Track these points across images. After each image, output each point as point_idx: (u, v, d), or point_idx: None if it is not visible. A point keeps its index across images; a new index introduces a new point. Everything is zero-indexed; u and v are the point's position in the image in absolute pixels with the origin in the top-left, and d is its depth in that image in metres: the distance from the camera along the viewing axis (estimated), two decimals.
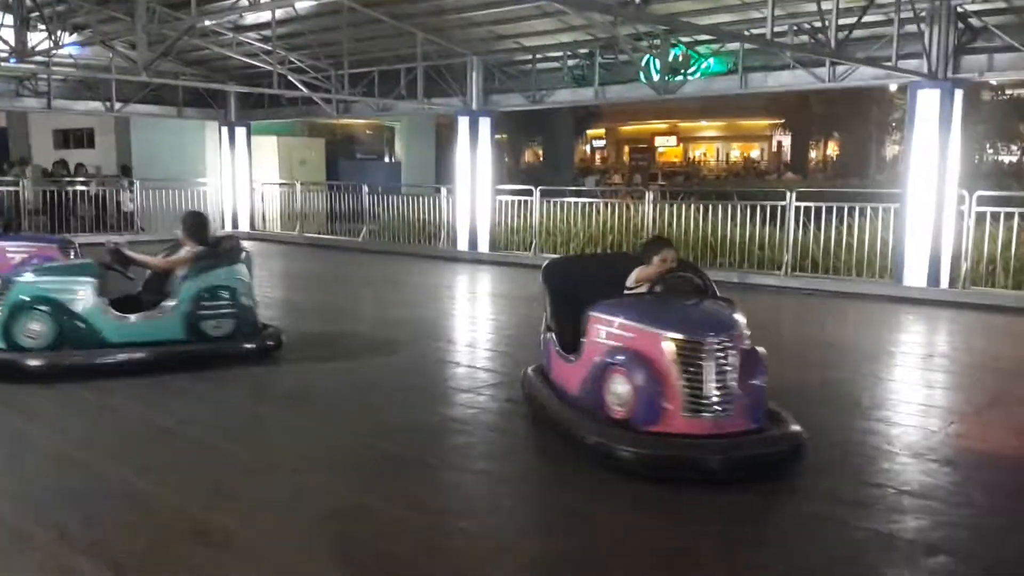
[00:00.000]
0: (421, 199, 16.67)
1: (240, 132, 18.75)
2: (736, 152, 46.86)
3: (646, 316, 4.64)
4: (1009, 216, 10.23)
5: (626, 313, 4.73)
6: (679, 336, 4.40)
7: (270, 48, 13.94)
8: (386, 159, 25.29)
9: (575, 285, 5.34)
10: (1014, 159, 35.69)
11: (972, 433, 5.30)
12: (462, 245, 15.24)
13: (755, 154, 46.31)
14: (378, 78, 15.67)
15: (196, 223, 7.07)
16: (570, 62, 13.86)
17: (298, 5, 10.61)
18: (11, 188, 16.48)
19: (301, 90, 14.99)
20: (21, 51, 11.69)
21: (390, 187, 19.01)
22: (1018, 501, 4.27)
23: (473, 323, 9.53)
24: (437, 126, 24.72)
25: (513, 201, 15.09)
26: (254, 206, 19.16)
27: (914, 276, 10.59)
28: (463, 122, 15.08)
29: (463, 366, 7.10)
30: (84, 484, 4.30)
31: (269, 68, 14.44)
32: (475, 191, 15.06)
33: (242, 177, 19.00)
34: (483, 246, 15.05)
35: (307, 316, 9.68)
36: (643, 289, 5.07)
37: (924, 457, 4.76)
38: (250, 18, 13.24)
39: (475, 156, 15.00)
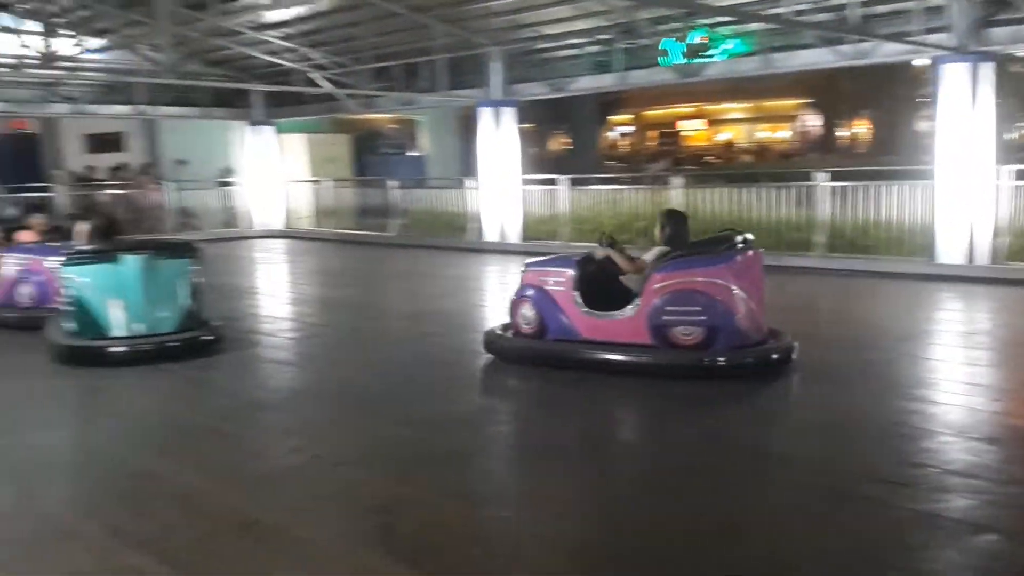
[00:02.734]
0: (448, 192, 16.68)
1: (267, 131, 18.84)
2: (764, 133, 46.32)
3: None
4: None
5: None
6: None
7: (292, 46, 14.03)
8: (411, 153, 25.33)
9: None
10: None
11: (1016, 410, 5.21)
12: (491, 236, 15.22)
13: (784, 135, 45.75)
14: (400, 72, 15.68)
15: None
16: (590, 48, 13.78)
17: (318, 2, 10.64)
18: (45, 195, 16.67)
19: (323, 87, 15.06)
20: (48, 57, 11.86)
21: (416, 181, 19.04)
22: None
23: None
24: (462, 118, 24.69)
25: (540, 190, 15.06)
26: (287, 204, 19.24)
27: (950, 253, 10.42)
28: (485, 113, 15.04)
29: None
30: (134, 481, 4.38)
31: (291, 66, 14.53)
32: (501, 182, 15.04)
33: (271, 176, 19.06)
34: (513, 236, 15.03)
35: (342, 311, 9.74)
36: None
37: (967, 435, 4.69)
38: (271, 16, 13.31)
39: (500, 147, 14.97)
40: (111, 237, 7.45)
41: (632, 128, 49.18)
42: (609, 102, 35.68)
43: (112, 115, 17.36)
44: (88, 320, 6.75)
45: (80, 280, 6.78)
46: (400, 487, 4.21)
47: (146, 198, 17.84)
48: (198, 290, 7.24)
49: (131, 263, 6.79)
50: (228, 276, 11.80)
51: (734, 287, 5.83)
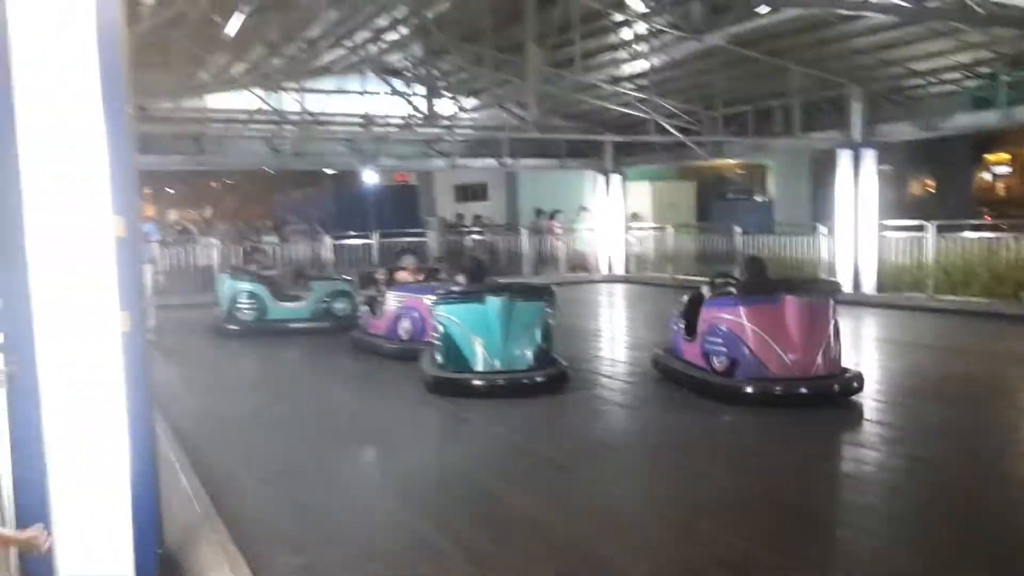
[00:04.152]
0: (796, 238, 16.02)
1: (615, 179, 19.50)
2: None
3: None
4: None
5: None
6: None
7: (645, 96, 14.41)
8: (757, 198, 24.71)
9: None
10: None
11: None
12: (844, 287, 14.31)
13: None
14: (751, 117, 15.44)
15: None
16: (969, 83, 12.51)
17: (674, 52, 10.86)
18: (419, 239, 18.59)
19: (674, 135, 15.26)
20: (431, 117, 13.35)
21: (763, 226, 18.51)
22: None
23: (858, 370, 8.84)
24: (812, 161, 23.65)
25: (901, 237, 13.91)
26: (628, 249, 19.72)
27: None
28: (843, 156, 14.26)
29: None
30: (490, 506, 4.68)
31: (643, 116, 14.91)
32: (858, 228, 14.13)
33: (617, 222, 19.65)
34: (867, 287, 14.03)
35: None
36: None
37: None
38: (626, 69, 13.80)
39: (857, 191, 14.10)
40: (479, 279, 8.09)
41: (1009, 168, 43.76)
42: (982, 140, 32.12)
43: (481, 167, 19.04)
44: (454, 353, 7.37)
45: (449, 317, 7.45)
46: (749, 545, 4.04)
47: (553, 241, 19.38)
48: (549, 331, 7.61)
49: (493, 304, 7.33)
50: (574, 318, 12.28)
51: (751, 325, 6.76)
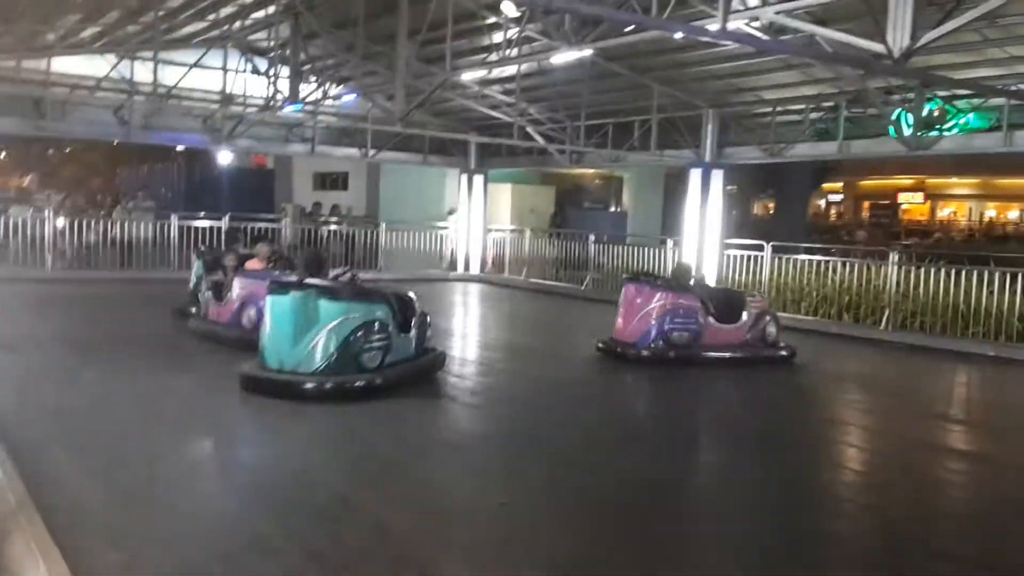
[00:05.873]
0: (646, 249, 16.62)
1: (478, 179, 19.59)
2: (992, 212, 42.96)
3: None
4: None
5: None
6: None
7: (512, 101, 14.57)
8: (612, 208, 25.47)
9: None
10: None
11: None
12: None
13: (1016, 215, 42.21)
14: (612, 130, 15.89)
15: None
16: (812, 115, 13.37)
17: (542, 60, 11.02)
18: (273, 225, 18.06)
19: (538, 141, 15.49)
20: (294, 100, 12.98)
21: (615, 236, 19.08)
22: None
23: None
24: (666, 177, 24.60)
25: (742, 256, 14.68)
26: (485, 250, 19.87)
27: None
28: (695, 174, 14.92)
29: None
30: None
31: (509, 120, 15.07)
32: (703, 244, 14.81)
33: (477, 222, 19.77)
34: None
35: (530, 359, 9.87)
36: None
37: None
38: (495, 72, 13.90)
39: (705, 209, 14.78)
40: (316, 272, 7.36)
41: (841, 197, 47.02)
42: (820, 169, 34.30)
43: (342, 156, 18.61)
44: (260, 347, 7.00)
45: (266, 309, 7.08)
46: (585, 544, 4.17)
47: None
48: (363, 337, 6.91)
49: (292, 300, 6.85)
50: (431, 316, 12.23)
51: (620, 304, 9.54)
